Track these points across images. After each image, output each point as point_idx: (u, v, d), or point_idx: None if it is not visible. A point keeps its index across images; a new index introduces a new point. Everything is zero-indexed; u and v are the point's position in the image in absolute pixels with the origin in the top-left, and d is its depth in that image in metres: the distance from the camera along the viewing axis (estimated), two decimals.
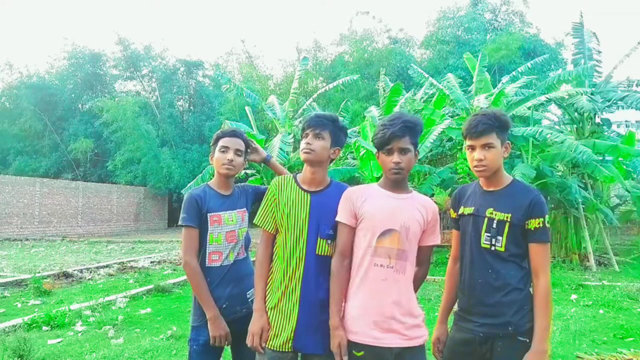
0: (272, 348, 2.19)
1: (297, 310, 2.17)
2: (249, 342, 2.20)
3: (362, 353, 2.05)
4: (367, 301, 2.08)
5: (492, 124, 2.08)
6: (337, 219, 2.18)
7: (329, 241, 2.20)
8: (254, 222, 2.38)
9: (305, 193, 2.25)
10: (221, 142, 2.53)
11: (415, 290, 2.23)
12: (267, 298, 2.25)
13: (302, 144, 2.24)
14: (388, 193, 2.15)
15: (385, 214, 2.10)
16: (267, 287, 2.26)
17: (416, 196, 2.20)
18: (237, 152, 2.52)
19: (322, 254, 2.20)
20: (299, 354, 2.22)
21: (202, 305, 2.38)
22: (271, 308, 2.22)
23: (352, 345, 2.07)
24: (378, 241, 2.08)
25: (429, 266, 2.31)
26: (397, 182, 2.15)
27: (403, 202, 2.13)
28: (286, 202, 2.24)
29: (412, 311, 2.09)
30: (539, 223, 2.03)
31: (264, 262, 2.28)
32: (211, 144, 2.63)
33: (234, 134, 2.57)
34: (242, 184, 2.80)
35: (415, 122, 2.14)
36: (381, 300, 2.06)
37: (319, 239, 2.19)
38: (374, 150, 2.24)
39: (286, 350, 2.16)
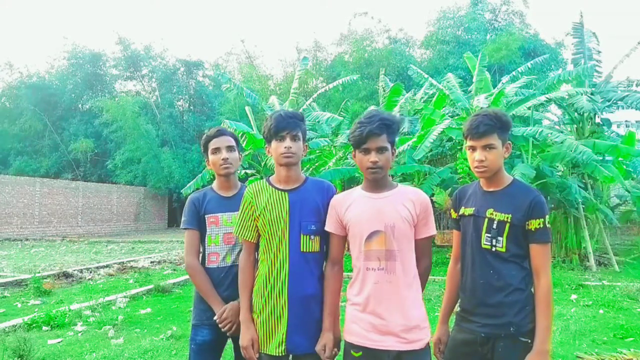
0: (267, 353, 2.18)
1: (286, 311, 2.16)
2: (243, 355, 2.21)
3: (360, 354, 2.05)
4: (363, 304, 2.08)
5: (493, 125, 2.07)
6: (325, 228, 2.19)
7: (312, 237, 2.19)
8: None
9: (282, 192, 2.23)
10: (211, 145, 2.55)
11: (422, 286, 2.18)
12: (253, 304, 2.23)
13: (280, 148, 2.17)
14: (369, 194, 2.13)
15: (369, 217, 2.08)
16: (253, 294, 2.25)
17: (402, 191, 2.14)
18: (229, 148, 2.53)
19: (307, 250, 2.19)
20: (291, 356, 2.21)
21: (209, 303, 2.37)
22: (259, 313, 2.20)
23: (350, 346, 2.09)
24: (366, 244, 2.07)
25: (430, 260, 2.23)
26: (377, 181, 2.12)
27: (385, 201, 2.10)
28: (265, 206, 2.21)
29: (409, 313, 2.04)
30: (539, 223, 2.03)
31: (247, 270, 2.26)
32: (202, 152, 2.64)
33: (219, 133, 2.58)
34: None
35: (393, 119, 2.11)
36: (376, 303, 2.05)
37: (302, 235, 2.18)
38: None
39: (279, 354, 2.15)
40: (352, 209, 2.12)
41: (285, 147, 2.17)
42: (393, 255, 2.05)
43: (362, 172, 2.14)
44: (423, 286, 2.20)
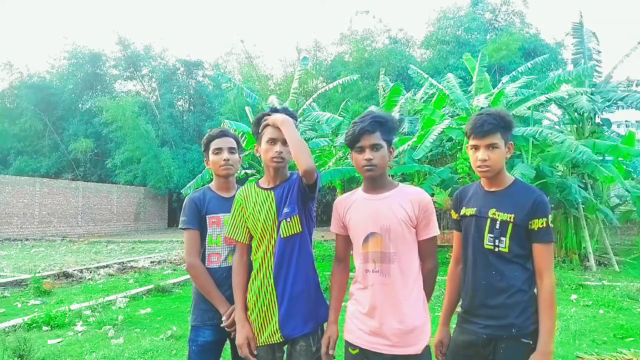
0: (260, 344, 2.22)
1: (277, 306, 2.20)
2: (240, 353, 2.24)
3: (357, 351, 2.09)
4: (360, 305, 2.10)
5: (497, 124, 2.06)
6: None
7: (289, 219, 2.19)
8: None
9: (269, 191, 2.27)
10: (213, 145, 2.55)
11: (428, 288, 2.14)
12: (247, 302, 2.26)
13: (272, 152, 2.21)
14: (368, 196, 2.13)
15: (365, 219, 2.08)
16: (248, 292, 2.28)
17: (401, 191, 2.11)
18: (230, 150, 2.54)
19: (287, 235, 2.20)
20: (285, 349, 2.25)
21: (214, 304, 2.38)
22: (251, 311, 2.24)
23: (348, 344, 2.13)
24: (363, 247, 2.08)
25: (434, 261, 2.15)
26: (375, 181, 2.11)
27: (382, 203, 2.08)
28: (253, 207, 2.26)
29: (405, 317, 2.01)
30: (542, 223, 2.01)
31: (239, 270, 2.29)
32: (202, 150, 2.65)
33: (223, 134, 2.59)
34: None
35: (387, 117, 2.10)
36: (371, 305, 2.05)
37: (281, 222, 2.20)
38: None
39: (275, 341, 2.19)
40: (351, 211, 2.15)
41: (277, 152, 2.21)
42: (388, 258, 2.04)
43: (359, 171, 2.14)
44: (431, 288, 2.18)
